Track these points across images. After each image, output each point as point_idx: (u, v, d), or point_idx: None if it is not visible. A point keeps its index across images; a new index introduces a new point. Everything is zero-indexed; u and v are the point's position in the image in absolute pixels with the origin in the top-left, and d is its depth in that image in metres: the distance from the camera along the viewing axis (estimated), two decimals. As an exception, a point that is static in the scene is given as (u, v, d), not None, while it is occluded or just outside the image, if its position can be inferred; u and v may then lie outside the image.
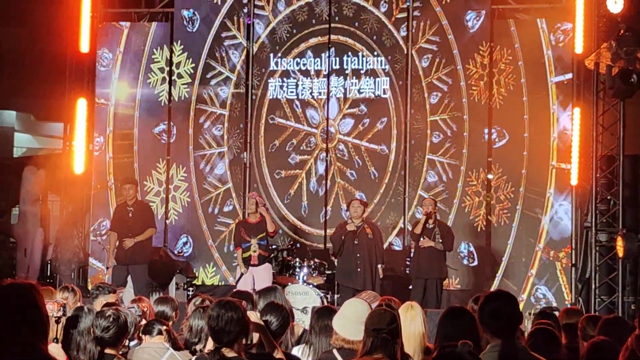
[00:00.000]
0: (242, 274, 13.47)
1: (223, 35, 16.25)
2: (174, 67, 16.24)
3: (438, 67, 15.48)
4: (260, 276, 13.28)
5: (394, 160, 15.63)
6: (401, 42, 15.62)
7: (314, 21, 16.03)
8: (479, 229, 15.13)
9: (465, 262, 15.12)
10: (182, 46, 16.27)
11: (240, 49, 16.23)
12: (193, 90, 16.24)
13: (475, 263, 15.10)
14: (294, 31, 16.08)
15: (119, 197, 15.15)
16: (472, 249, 15.12)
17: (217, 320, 5.38)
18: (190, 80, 16.25)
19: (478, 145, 15.24)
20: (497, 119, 15.20)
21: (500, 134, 15.16)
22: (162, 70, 16.31)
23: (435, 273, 13.51)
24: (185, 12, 16.28)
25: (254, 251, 13.50)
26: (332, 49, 15.79)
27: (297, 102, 16.02)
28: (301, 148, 15.99)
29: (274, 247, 14.42)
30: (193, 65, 16.25)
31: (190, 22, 16.29)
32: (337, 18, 15.90)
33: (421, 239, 13.48)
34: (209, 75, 16.24)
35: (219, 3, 16.26)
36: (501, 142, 15.18)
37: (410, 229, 14.41)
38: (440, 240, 13.47)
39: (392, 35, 15.72)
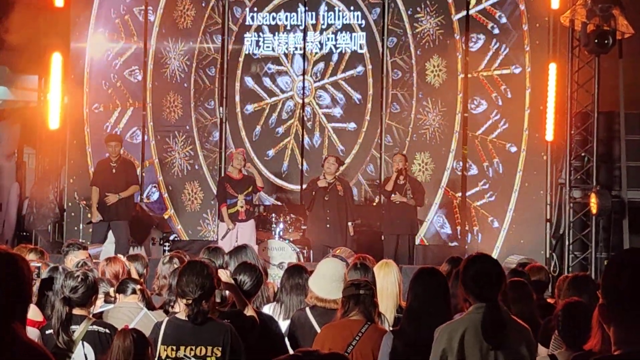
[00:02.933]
0: (228, 230, 13.44)
1: None
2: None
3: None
4: (246, 232, 13.32)
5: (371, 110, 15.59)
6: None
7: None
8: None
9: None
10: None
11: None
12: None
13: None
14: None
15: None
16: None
17: (185, 276, 5.47)
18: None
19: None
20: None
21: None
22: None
23: (407, 229, 13.61)
24: None
25: (241, 207, 13.46)
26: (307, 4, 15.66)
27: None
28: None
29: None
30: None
31: None
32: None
33: (392, 195, 13.53)
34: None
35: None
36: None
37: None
38: (412, 196, 13.55)
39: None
